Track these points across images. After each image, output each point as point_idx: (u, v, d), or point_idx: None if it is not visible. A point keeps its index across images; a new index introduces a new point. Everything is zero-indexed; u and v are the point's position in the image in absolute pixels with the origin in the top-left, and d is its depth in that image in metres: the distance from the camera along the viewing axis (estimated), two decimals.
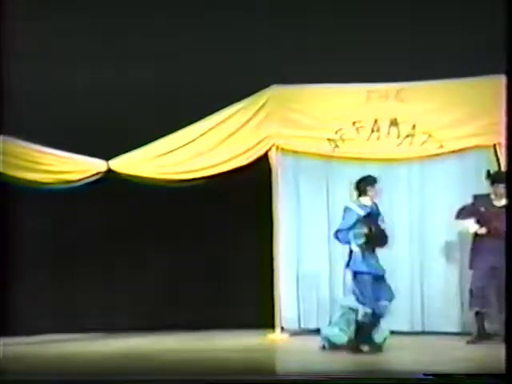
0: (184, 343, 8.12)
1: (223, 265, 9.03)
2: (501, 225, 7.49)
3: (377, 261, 7.54)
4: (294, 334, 8.48)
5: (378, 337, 7.42)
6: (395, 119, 8.42)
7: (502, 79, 7.99)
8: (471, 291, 7.91)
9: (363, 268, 7.46)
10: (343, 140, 8.51)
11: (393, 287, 7.89)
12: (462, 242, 8.34)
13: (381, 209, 7.89)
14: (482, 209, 7.96)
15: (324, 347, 7.52)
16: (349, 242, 7.52)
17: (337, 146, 8.52)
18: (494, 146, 8.29)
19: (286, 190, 8.68)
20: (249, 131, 8.57)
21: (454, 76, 8.28)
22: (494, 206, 7.94)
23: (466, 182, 8.41)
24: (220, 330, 8.60)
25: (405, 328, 8.36)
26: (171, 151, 8.52)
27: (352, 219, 7.50)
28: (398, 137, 8.45)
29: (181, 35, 8.41)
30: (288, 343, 8.21)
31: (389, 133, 8.44)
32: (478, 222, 7.94)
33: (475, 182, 8.36)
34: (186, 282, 8.91)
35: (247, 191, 8.61)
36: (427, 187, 8.54)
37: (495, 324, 7.78)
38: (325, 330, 7.67)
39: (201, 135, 8.52)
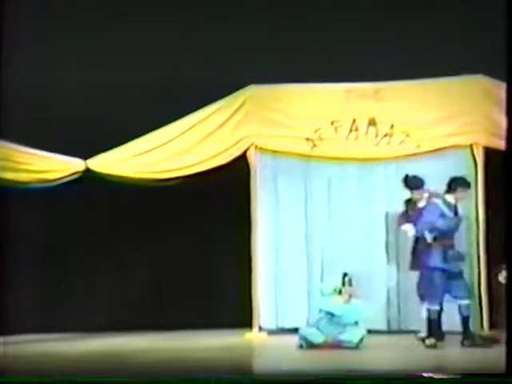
0: (161, 343, 8.10)
1: (202, 264, 9.00)
2: (420, 225, 7.74)
3: (454, 258, 7.53)
4: (271, 333, 8.46)
5: (354, 336, 7.44)
6: (373, 119, 8.44)
7: (479, 79, 8.30)
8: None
9: (439, 264, 7.46)
10: (322, 139, 8.52)
11: (370, 287, 8.08)
12: None
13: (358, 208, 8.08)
14: (410, 212, 8.07)
15: (301, 346, 7.53)
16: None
17: (315, 145, 8.53)
18: (471, 145, 8.33)
19: (265, 189, 8.69)
20: (227, 131, 8.57)
21: (432, 76, 8.29)
22: (416, 207, 8.02)
23: (443, 181, 8.12)
24: (198, 330, 8.57)
25: (382, 327, 8.36)
26: (149, 151, 8.51)
27: (435, 214, 7.49)
28: (376, 136, 8.47)
29: (159, 35, 8.37)
30: (265, 342, 8.19)
31: (367, 132, 8.47)
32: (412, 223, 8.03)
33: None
34: (165, 282, 8.90)
35: (226, 190, 8.61)
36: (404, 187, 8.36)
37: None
38: (303, 330, 7.69)
39: (179, 135, 8.52)
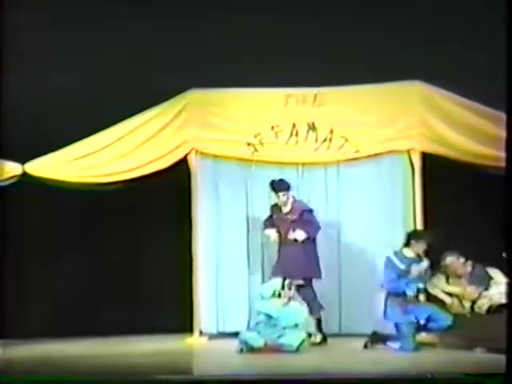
0: (99, 349, 7.98)
1: (143, 268, 8.93)
2: (284, 229, 8.05)
3: None
4: (212, 337, 8.45)
5: (294, 340, 7.48)
6: (313, 124, 8.49)
7: (416, 85, 8.42)
8: (304, 297, 8.06)
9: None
10: (262, 144, 8.55)
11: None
12: (378, 246, 8.40)
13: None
14: (274, 216, 8.25)
15: (242, 350, 7.53)
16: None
17: (256, 149, 8.56)
18: (408, 151, 8.42)
19: (206, 193, 8.68)
20: (168, 134, 8.52)
21: (370, 81, 8.38)
22: (280, 212, 8.21)
23: (381, 186, 8.54)
24: (138, 335, 8.47)
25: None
26: (89, 154, 8.41)
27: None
28: (316, 141, 8.51)
29: (101, 37, 8.32)
30: (205, 347, 8.17)
31: (307, 137, 8.51)
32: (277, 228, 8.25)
33: (390, 187, 8.52)
34: (103, 286, 8.76)
35: (167, 195, 8.62)
36: (344, 191, 8.63)
37: None
38: (243, 334, 7.71)
39: (119, 138, 8.45)
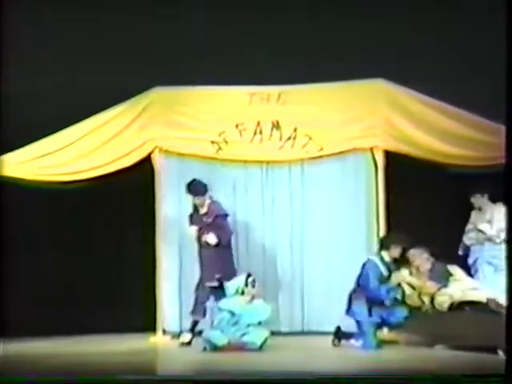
0: (63, 347, 7.90)
1: (106, 267, 8.89)
2: (200, 231, 8.05)
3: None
4: (175, 336, 8.37)
5: (257, 338, 7.46)
6: (277, 122, 8.50)
7: (379, 83, 8.45)
8: (196, 298, 8.07)
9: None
10: (226, 142, 8.55)
11: (273, 288, 8.21)
12: (343, 244, 8.52)
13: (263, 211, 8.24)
14: (194, 216, 8.22)
15: (205, 349, 7.51)
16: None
17: (220, 148, 8.56)
18: (372, 149, 8.47)
19: (170, 191, 8.65)
20: (132, 133, 8.49)
21: (334, 80, 8.41)
22: (197, 213, 8.19)
23: (345, 184, 8.60)
24: (102, 334, 8.44)
25: (284, 329, 8.45)
26: (51, 153, 8.35)
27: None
28: (280, 139, 8.53)
29: (63, 35, 8.23)
30: (169, 346, 8.13)
31: (271, 135, 8.52)
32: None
33: (353, 185, 8.58)
34: (67, 285, 8.73)
35: (131, 193, 8.60)
36: (308, 189, 8.66)
37: None
38: (206, 332, 7.67)
39: (82, 137, 8.40)
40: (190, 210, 8.42)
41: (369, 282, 7.59)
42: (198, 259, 8.17)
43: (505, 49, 6.05)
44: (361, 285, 7.69)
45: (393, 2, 8.31)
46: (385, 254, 7.73)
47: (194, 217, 8.20)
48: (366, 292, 7.61)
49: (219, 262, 8.01)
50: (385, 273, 7.67)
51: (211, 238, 8.04)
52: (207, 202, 8.14)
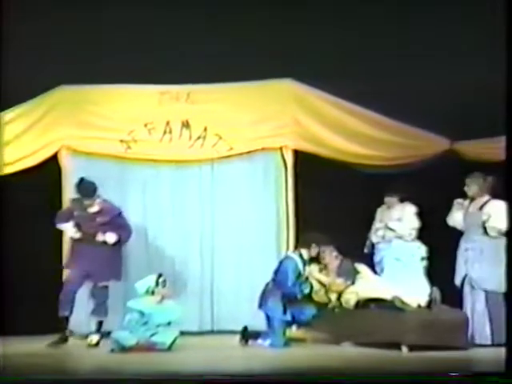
0: None
1: (16, 268, 8.49)
2: (90, 229, 7.89)
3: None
4: (84, 337, 8.13)
5: (167, 338, 7.42)
6: (187, 121, 8.47)
7: (288, 83, 8.50)
8: (64, 294, 7.93)
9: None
10: (136, 141, 8.47)
11: (183, 288, 8.17)
12: (252, 243, 8.53)
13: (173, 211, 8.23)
14: (76, 213, 8.07)
15: (113, 350, 7.42)
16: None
17: (129, 147, 8.47)
18: (281, 148, 8.51)
19: None
20: (36, 133, 8.35)
21: (243, 79, 8.41)
22: (85, 211, 8.04)
23: (254, 183, 8.63)
24: (14, 336, 8.04)
25: (194, 328, 8.39)
26: None
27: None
28: (190, 139, 8.50)
29: None
30: (76, 347, 7.90)
31: (181, 135, 8.49)
32: (77, 225, 8.06)
33: (263, 184, 8.62)
34: None
35: (39, 193, 8.39)
36: (218, 189, 8.66)
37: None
38: (114, 333, 7.57)
39: None
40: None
41: (287, 279, 7.60)
42: (73, 255, 7.97)
43: (504, 48, 5.87)
44: (277, 281, 7.70)
45: (303, 1, 8.38)
46: (304, 251, 7.77)
47: (76, 214, 7.97)
48: (282, 288, 7.64)
49: (110, 261, 7.92)
50: (302, 271, 7.73)
51: (111, 237, 7.92)
52: (98, 200, 7.99)
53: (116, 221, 8.01)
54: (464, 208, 7.64)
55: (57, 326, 7.96)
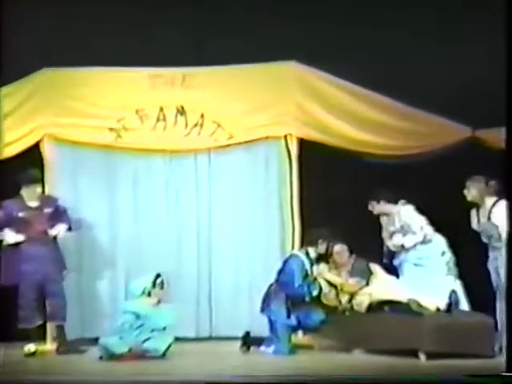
0: None
1: None
2: (39, 226, 7.41)
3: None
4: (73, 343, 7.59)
5: (161, 344, 6.95)
6: (182, 107, 7.92)
7: (292, 66, 7.94)
8: (21, 306, 7.41)
9: None
10: (126, 129, 7.90)
11: (178, 290, 7.63)
12: (254, 239, 8.02)
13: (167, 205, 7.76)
14: (20, 214, 7.50)
15: (101, 358, 6.91)
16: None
17: (119, 135, 7.91)
18: (285, 136, 8.00)
19: (63, 182, 7.90)
20: (18, 119, 7.71)
21: (244, 61, 7.84)
22: (29, 207, 7.53)
23: (255, 175, 8.13)
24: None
25: (190, 334, 7.89)
26: None
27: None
28: (186, 127, 7.96)
29: None
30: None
31: (176, 122, 7.95)
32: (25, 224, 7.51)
33: (265, 176, 8.13)
34: None
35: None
36: (216, 180, 8.15)
37: None
38: (103, 339, 7.05)
39: None
40: (87, 203, 7.84)
41: (293, 280, 7.13)
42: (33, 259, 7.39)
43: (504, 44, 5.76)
44: (282, 282, 7.22)
45: None
46: (311, 249, 7.29)
47: (18, 215, 7.41)
48: (287, 290, 7.16)
49: (58, 255, 7.47)
50: (309, 270, 7.24)
51: (62, 229, 7.46)
52: (38, 191, 7.49)
53: (60, 210, 7.54)
54: (474, 219, 7.20)
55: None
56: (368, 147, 7.92)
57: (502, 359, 5.88)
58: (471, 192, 7.21)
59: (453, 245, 7.43)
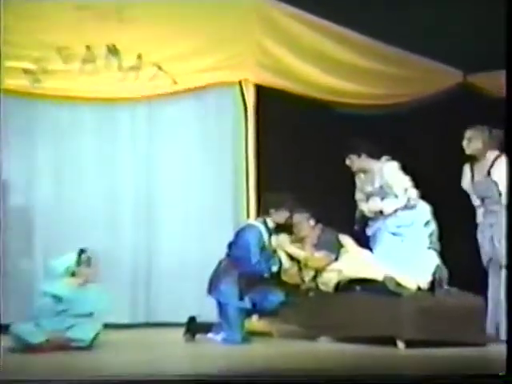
0: None
1: None
2: None
3: None
4: None
5: (87, 332, 6.09)
6: (114, 46, 6.99)
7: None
8: None
9: None
10: (46, 72, 6.89)
11: (111, 267, 6.92)
12: (202, 207, 7.30)
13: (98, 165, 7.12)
14: None
15: (14, 349, 5.99)
16: None
17: (37, 79, 6.89)
18: (240, 82, 7.28)
19: None
20: None
21: None
22: None
23: (205, 128, 7.52)
24: None
25: (124, 320, 7.15)
26: None
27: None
28: (120, 69, 7.04)
29: None
30: None
31: (107, 64, 6.98)
32: None
33: (216, 129, 7.48)
34: None
35: None
36: (157, 135, 7.48)
37: None
38: (16, 327, 6.12)
39: None
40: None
41: (249, 254, 6.36)
42: None
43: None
44: (234, 257, 6.45)
45: None
46: (269, 218, 6.46)
47: None
48: (241, 267, 6.38)
49: None
50: (267, 242, 6.45)
51: None
52: None
53: None
54: (466, 175, 6.42)
55: None
56: (342, 96, 7.39)
57: (498, 347, 5.59)
58: (473, 143, 6.38)
59: (436, 212, 6.58)
